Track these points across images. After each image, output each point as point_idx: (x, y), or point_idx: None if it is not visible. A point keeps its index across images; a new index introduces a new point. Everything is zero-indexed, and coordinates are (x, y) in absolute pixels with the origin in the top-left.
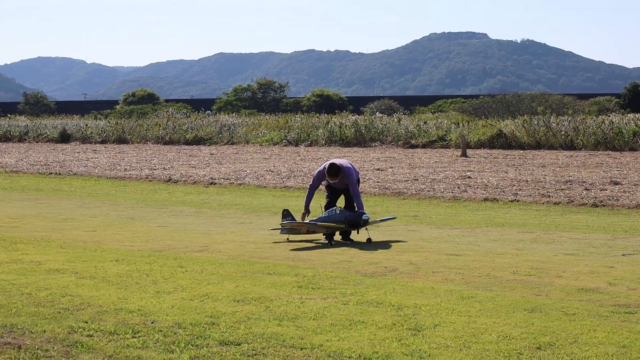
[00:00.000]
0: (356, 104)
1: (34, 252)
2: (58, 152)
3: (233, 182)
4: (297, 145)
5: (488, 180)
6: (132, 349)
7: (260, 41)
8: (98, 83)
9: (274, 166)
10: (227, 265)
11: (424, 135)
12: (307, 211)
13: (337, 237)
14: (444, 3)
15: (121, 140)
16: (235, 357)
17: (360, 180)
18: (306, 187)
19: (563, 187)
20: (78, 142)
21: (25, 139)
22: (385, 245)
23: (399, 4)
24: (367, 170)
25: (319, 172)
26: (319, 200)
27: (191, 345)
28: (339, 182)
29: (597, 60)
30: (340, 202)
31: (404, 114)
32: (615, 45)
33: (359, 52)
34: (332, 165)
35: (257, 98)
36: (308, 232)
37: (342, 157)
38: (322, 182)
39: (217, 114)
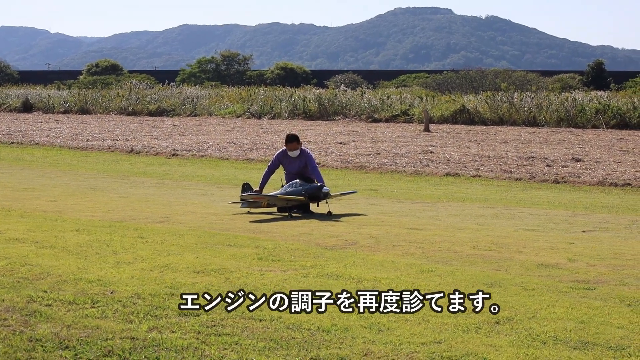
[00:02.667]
0: (320, 78)
1: None
2: (20, 121)
3: (195, 154)
4: (260, 117)
5: (450, 155)
6: (91, 318)
7: (225, 13)
8: (62, 53)
9: (236, 138)
10: (187, 237)
11: (387, 110)
12: (260, 191)
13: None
14: None
15: (84, 111)
16: (194, 327)
17: (323, 153)
18: (268, 160)
19: (525, 163)
20: (40, 112)
21: None
22: (346, 218)
23: None
24: (329, 144)
25: (278, 152)
26: (280, 173)
27: (150, 315)
28: (297, 159)
29: (561, 37)
30: None
31: (367, 88)
32: (580, 23)
33: (324, 26)
34: (290, 133)
35: (221, 70)
36: (269, 205)
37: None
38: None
39: (181, 86)
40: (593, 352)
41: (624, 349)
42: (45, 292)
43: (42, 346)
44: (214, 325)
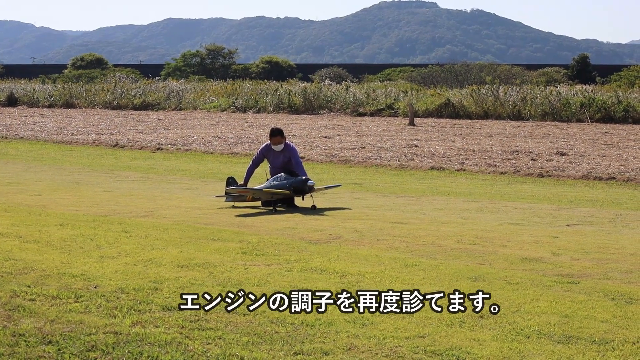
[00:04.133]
0: (305, 72)
1: None
2: (5, 115)
3: (180, 148)
4: (245, 111)
5: (435, 149)
6: (75, 313)
7: (210, 7)
8: (46, 47)
9: (221, 132)
10: (171, 231)
11: (372, 104)
12: (245, 185)
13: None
14: None
15: (69, 105)
16: (177, 322)
17: (308, 147)
18: (253, 154)
19: (509, 157)
20: (25, 106)
21: None
22: (330, 212)
23: None
24: (314, 138)
25: (263, 146)
26: (264, 167)
27: (134, 310)
28: (281, 153)
29: (546, 31)
30: None
31: (352, 82)
32: (565, 17)
33: (309, 20)
34: (274, 127)
35: (206, 64)
36: (253, 199)
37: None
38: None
39: (166, 80)
40: (577, 346)
41: (607, 343)
42: (29, 286)
43: (25, 341)
44: (198, 320)
